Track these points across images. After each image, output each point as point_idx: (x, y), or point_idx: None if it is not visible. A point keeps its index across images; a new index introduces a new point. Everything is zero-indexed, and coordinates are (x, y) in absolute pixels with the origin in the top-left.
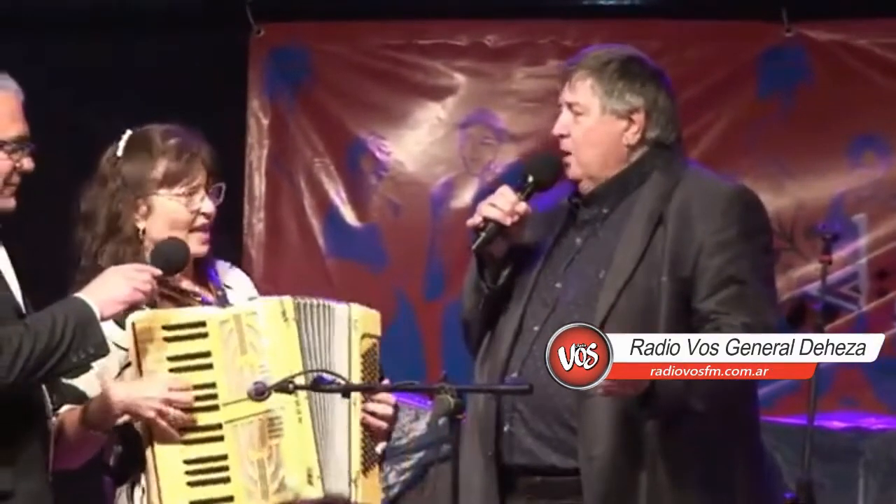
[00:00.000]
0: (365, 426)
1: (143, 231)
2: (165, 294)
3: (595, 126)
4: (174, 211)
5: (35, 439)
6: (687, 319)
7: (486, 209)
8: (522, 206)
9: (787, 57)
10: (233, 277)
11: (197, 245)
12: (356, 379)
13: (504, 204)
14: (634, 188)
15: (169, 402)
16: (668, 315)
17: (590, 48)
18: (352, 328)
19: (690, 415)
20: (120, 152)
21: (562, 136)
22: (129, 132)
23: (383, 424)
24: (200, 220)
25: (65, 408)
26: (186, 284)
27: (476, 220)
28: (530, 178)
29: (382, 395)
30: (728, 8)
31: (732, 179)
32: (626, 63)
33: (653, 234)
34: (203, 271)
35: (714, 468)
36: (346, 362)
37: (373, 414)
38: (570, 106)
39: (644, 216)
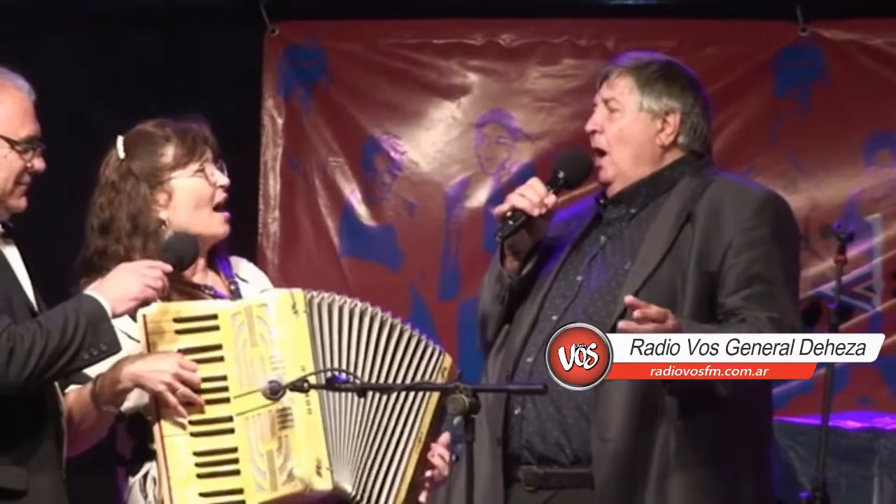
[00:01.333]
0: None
1: (167, 221)
2: (178, 289)
3: (630, 123)
4: (197, 188)
5: (48, 437)
6: (710, 314)
7: (516, 199)
8: (551, 199)
9: (802, 56)
10: (247, 271)
11: (220, 225)
12: (427, 421)
13: (533, 195)
14: (663, 191)
15: (178, 378)
16: (692, 308)
17: (631, 52)
18: (437, 373)
19: (712, 400)
20: (122, 154)
21: (594, 133)
22: (120, 137)
23: (437, 479)
24: (220, 194)
25: (70, 388)
26: (198, 278)
27: (504, 208)
28: (561, 174)
29: (442, 450)
30: (743, 7)
31: (763, 185)
32: (667, 67)
33: (680, 230)
34: (216, 264)
35: (721, 465)
36: (424, 402)
37: (429, 464)
38: (606, 102)
39: (672, 214)
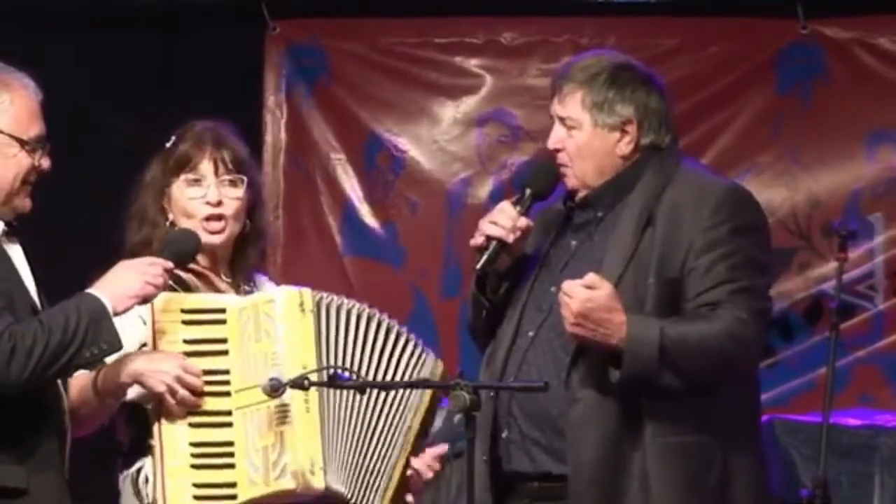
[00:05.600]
0: (406, 474)
1: (172, 222)
2: (195, 271)
3: (588, 140)
4: (181, 198)
5: (50, 436)
6: None
7: (488, 227)
8: (524, 222)
9: (803, 54)
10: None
11: (206, 236)
12: (416, 426)
13: (505, 221)
14: (628, 191)
15: (180, 381)
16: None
17: (577, 57)
18: (431, 374)
19: (664, 397)
20: (168, 144)
21: (556, 150)
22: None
23: (419, 483)
24: (205, 210)
25: (77, 373)
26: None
27: (478, 240)
28: (528, 191)
29: (431, 459)
30: (744, 5)
31: (726, 177)
32: (615, 72)
33: (642, 235)
34: (239, 276)
35: (704, 479)
36: (417, 406)
37: (416, 471)
38: (562, 120)
39: (634, 217)
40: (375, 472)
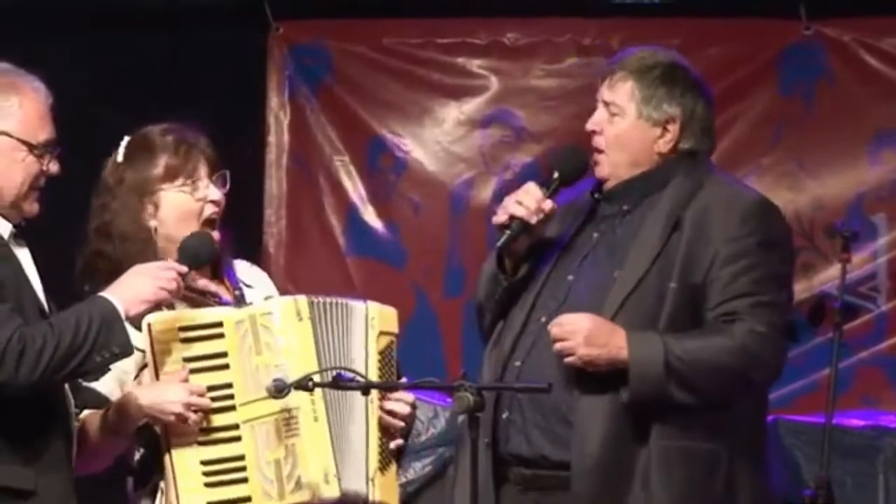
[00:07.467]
0: (382, 424)
1: (156, 230)
2: (182, 296)
3: (629, 129)
4: (182, 203)
5: (58, 439)
6: (690, 326)
7: (513, 207)
8: (548, 205)
9: (806, 55)
10: (252, 276)
11: None
12: (373, 377)
13: (530, 202)
14: (657, 190)
15: (189, 406)
16: (668, 321)
17: (634, 49)
18: (368, 326)
19: (676, 406)
20: (121, 158)
21: (594, 133)
22: (127, 138)
23: (401, 423)
24: (209, 209)
25: (86, 412)
26: (203, 284)
27: (502, 218)
28: (556, 175)
29: (400, 394)
30: (747, 6)
31: (754, 189)
32: (669, 70)
33: (669, 237)
34: (220, 270)
35: (711, 475)
36: (364, 360)
37: (391, 412)
38: (606, 104)
39: (662, 219)
40: (363, 454)
